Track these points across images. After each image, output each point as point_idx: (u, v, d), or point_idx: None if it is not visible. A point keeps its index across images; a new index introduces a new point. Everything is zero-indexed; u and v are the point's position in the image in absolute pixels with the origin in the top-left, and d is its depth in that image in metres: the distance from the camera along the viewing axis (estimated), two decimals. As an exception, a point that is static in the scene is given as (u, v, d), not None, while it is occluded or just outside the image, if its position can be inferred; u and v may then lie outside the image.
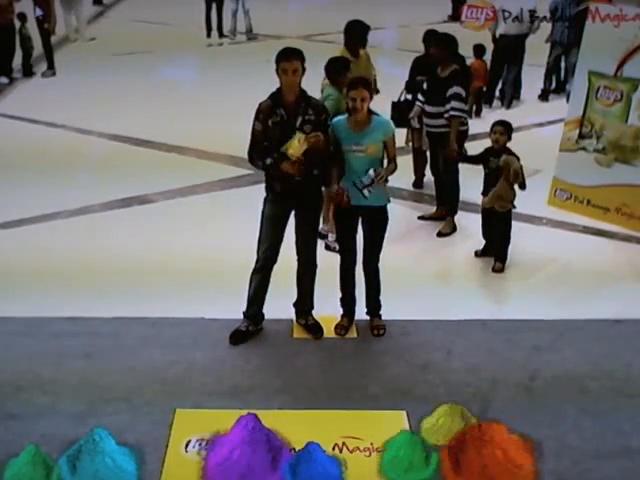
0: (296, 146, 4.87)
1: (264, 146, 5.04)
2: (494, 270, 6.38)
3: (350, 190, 5.11)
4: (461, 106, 6.68)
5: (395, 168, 5.36)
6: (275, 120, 4.99)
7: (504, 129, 6.26)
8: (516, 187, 6.26)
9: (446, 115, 6.67)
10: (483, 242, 6.65)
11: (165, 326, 5.31)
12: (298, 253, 5.34)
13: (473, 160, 6.57)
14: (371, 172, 5.05)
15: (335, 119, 5.28)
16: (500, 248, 6.44)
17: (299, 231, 5.27)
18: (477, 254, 6.64)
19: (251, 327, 5.37)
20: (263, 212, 5.21)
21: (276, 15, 16.60)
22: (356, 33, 7.02)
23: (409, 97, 7.42)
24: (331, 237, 6.56)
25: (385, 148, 5.19)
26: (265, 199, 5.22)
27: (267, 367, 5.11)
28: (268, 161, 5.02)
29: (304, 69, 5.02)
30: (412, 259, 6.70)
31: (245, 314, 5.39)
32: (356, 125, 5.11)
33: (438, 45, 6.81)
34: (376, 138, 5.13)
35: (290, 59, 4.92)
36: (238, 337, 5.29)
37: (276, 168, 4.98)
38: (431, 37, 7.25)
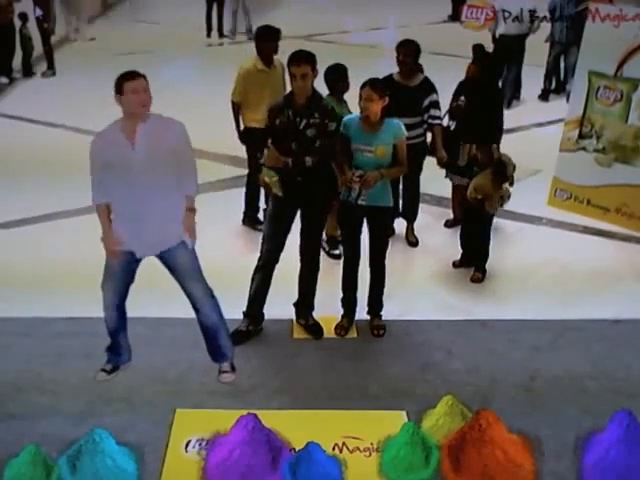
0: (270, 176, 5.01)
1: (265, 143, 5.08)
2: (472, 280, 6.25)
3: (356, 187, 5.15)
4: (440, 114, 6.58)
5: (400, 171, 5.34)
6: (282, 120, 5.01)
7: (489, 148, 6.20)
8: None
9: (430, 122, 6.51)
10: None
11: (165, 326, 5.32)
12: (301, 254, 5.34)
13: (460, 170, 6.53)
14: (355, 178, 5.07)
15: (347, 117, 5.30)
16: (480, 255, 6.29)
17: (304, 233, 5.27)
18: (455, 265, 6.47)
19: (251, 327, 5.37)
20: (268, 211, 5.23)
21: (276, 15, 16.59)
22: (268, 39, 6.52)
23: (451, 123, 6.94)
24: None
25: (395, 151, 5.17)
26: (270, 198, 5.24)
27: (267, 367, 5.12)
28: (262, 160, 5.09)
29: (316, 72, 5.04)
30: (412, 259, 6.70)
31: (245, 314, 5.39)
32: (367, 125, 5.11)
33: (410, 54, 6.48)
34: (386, 140, 5.12)
35: (299, 63, 4.93)
36: (239, 337, 5.29)
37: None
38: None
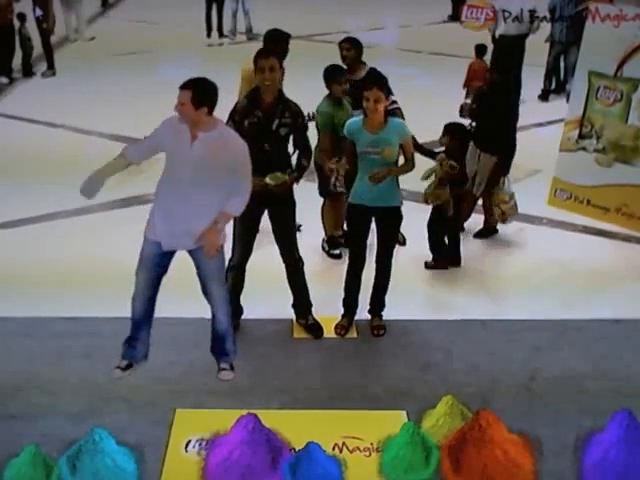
0: (269, 184, 4.97)
1: None
2: (426, 266, 6.41)
3: (365, 189, 5.15)
4: (394, 98, 6.43)
5: (409, 168, 5.32)
6: (252, 121, 5.01)
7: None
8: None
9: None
10: (483, 242, 6.67)
11: (165, 326, 5.31)
12: (281, 253, 5.34)
13: (425, 152, 6.52)
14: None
15: (349, 121, 5.28)
16: (433, 244, 6.45)
17: (276, 231, 5.28)
18: (427, 265, 6.51)
19: (234, 322, 5.39)
20: None
21: (276, 15, 16.59)
22: (275, 43, 6.48)
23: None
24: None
25: (402, 150, 5.16)
26: None
27: (267, 367, 5.11)
28: None
29: (283, 70, 5.05)
30: (412, 259, 6.69)
31: None
32: (371, 126, 5.10)
33: (350, 49, 6.46)
34: (392, 140, 5.10)
35: (267, 56, 4.99)
36: None
37: None
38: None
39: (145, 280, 4.81)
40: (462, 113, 6.74)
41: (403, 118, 6.52)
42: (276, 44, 6.52)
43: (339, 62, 6.47)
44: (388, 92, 6.40)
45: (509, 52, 10.67)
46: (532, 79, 11.32)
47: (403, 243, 6.88)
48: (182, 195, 4.54)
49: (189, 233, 4.63)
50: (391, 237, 5.39)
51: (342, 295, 5.51)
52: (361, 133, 5.12)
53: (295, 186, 5.23)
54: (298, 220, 5.43)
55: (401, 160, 5.29)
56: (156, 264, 4.77)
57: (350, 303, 5.50)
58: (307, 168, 5.27)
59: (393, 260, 5.43)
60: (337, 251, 6.49)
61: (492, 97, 6.65)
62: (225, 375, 4.95)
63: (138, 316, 4.90)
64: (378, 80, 5.20)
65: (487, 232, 7.01)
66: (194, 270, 4.82)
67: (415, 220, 6.88)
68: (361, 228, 5.35)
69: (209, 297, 4.87)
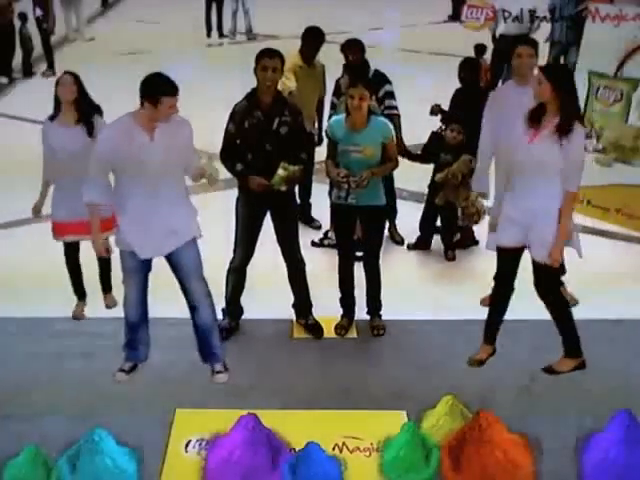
0: (280, 176, 4.91)
1: (236, 149, 5.04)
2: (449, 259, 6.61)
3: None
4: (396, 104, 6.47)
5: (391, 168, 5.30)
6: (252, 122, 4.99)
7: (461, 128, 6.37)
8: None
9: (387, 113, 6.32)
10: (481, 241, 6.66)
11: (165, 326, 5.32)
12: (283, 254, 5.34)
13: (420, 158, 6.61)
14: (341, 178, 5.06)
15: (333, 118, 5.28)
16: (449, 238, 6.69)
17: (279, 232, 5.28)
18: (410, 247, 6.78)
19: (233, 323, 5.41)
20: (237, 213, 5.21)
21: (276, 15, 16.59)
22: (313, 39, 6.69)
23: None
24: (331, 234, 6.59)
25: (384, 150, 5.14)
26: (238, 199, 5.21)
27: (267, 367, 5.11)
28: (238, 167, 5.03)
29: (282, 72, 5.05)
30: (412, 259, 6.70)
31: (227, 312, 5.42)
32: (354, 125, 5.08)
33: (361, 51, 6.47)
34: (374, 139, 5.08)
35: (272, 56, 4.96)
36: (224, 334, 5.26)
37: (244, 177, 5.01)
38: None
39: (135, 286, 4.80)
40: (432, 113, 6.80)
41: (399, 126, 6.54)
42: (311, 40, 6.60)
43: (339, 62, 6.48)
44: (391, 97, 6.45)
45: (508, 51, 10.68)
46: (532, 79, 11.30)
47: (401, 243, 6.89)
48: (152, 194, 4.50)
49: (171, 231, 4.61)
50: (375, 237, 5.36)
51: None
52: (343, 131, 5.10)
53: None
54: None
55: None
56: (139, 270, 4.75)
57: (347, 301, 5.50)
58: (307, 161, 5.23)
59: (381, 261, 5.42)
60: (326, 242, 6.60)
61: (464, 98, 6.66)
62: (220, 378, 4.93)
63: (135, 319, 4.89)
64: (363, 78, 5.18)
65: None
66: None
67: (415, 220, 6.91)
68: (345, 227, 5.34)
69: (190, 295, 4.83)
